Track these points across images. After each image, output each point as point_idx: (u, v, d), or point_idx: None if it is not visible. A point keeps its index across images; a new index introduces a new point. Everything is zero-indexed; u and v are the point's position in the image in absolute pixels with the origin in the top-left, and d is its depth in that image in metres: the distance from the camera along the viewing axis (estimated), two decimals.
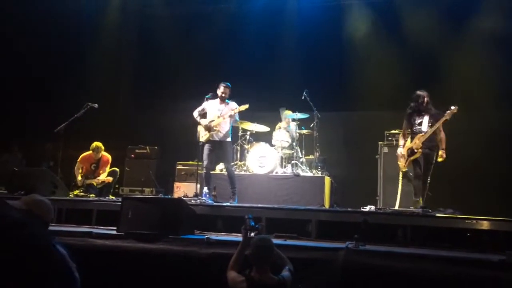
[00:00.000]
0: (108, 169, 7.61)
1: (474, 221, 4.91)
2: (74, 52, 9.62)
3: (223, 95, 6.71)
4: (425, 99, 5.83)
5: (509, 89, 7.84)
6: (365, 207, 6.46)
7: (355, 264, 4.02)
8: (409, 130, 5.99)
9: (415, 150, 5.76)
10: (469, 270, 3.81)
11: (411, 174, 6.94)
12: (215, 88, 6.89)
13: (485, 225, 4.86)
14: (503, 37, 7.98)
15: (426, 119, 5.77)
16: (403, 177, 6.94)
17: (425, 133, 5.73)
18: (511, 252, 3.79)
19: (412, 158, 5.82)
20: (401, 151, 5.94)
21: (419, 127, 5.82)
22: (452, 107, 5.68)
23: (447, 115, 5.65)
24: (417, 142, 5.74)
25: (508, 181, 7.46)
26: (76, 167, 7.60)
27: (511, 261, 3.72)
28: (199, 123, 6.73)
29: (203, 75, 8.79)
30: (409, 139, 5.98)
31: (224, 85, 6.76)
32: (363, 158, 8.17)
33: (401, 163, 5.98)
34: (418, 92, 5.90)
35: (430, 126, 5.73)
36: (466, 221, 4.98)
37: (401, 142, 6.05)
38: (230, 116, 6.62)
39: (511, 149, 7.65)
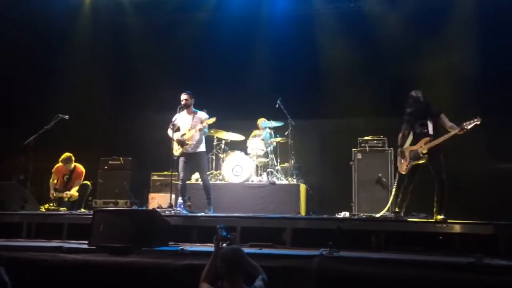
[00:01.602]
0: (81, 182, 7.47)
1: (445, 225, 5.00)
2: (45, 62, 9.42)
3: (185, 102, 6.65)
4: (421, 98, 5.43)
5: (483, 93, 8.03)
6: (339, 214, 6.54)
7: (330, 271, 4.03)
8: (410, 131, 5.54)
9: (421, 155, 5.30)
10: (441, 273, 3.87)
11: (384, 179, 7.06)
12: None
13: (455, 228, 4.96)
14: (475, 41, 8.23)
15: (430, 122, 5.35)
16: (376, 183, 7.07)
17: (433, 138, 5.27)
18: (480, 255, 3.88)
19: (415, 163, 5.37)
20: (401, 149, 5.48)
21: (422, 128, 5.36)
22: (476, 119, 5.12)
23: (468, 124, 5.10)
24: (424, 146, 5.28)
25: (478, 185, 7.66)
26: (51, 179, 7.47)
27: (480, 263, 3.80)
28: (173, 139, 6.66)
29: (177, 85, 8.70)
30: (409, 140, 5.54)
31: (183, 93, 6.70)
32: (338, 165, 8.26)
33: (402, 165, 5.52)
34: (416, 93, 5.49)
35: (435, 128, 5.33)
36: (437, 225, 5.07)
37: (399, 142, 5.59)
38: (200, 130, 6.58)
39: (482, 153, 7.86)
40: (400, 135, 5.61)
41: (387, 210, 6.48)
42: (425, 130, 5.35)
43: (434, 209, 5.30)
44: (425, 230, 5.14)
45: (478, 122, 5.12)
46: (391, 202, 6.40)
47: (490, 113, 7.92)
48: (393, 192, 6.31)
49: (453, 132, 5.17)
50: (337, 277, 4.00)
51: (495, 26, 8.08)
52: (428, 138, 5.28)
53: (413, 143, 5.48)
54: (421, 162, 5.38)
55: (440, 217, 5.16)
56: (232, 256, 3.27)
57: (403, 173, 5.59)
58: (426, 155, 5.31)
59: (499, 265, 3.88)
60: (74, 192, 7.29)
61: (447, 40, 8.45)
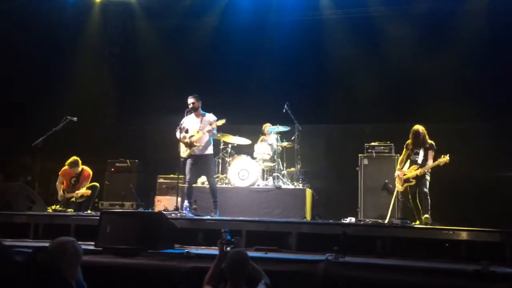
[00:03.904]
0: (88, 184, 7.50)
1: (451, 232, 4.99)
2: (55, 65, 9.52)
3: (193, 105, 6.67)
4: (421, 135, 6.39)
5: (485, 102, 8.05)
6: (345, 219, 6.54)
7: (335, 276, 4.03)
8: (407, 157, 6.56)
9: (411, 180, 6.37)
10: (446, 280, 3.86)
11: (390, 185, 7.14)
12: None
13: (462, 235, 4.94)
14: (478, 51, 8.23)
15: (421, 152, 6.38)
16: (382, 189, 7.15)
17: (419, 166, 6.32)
18: (487, 262, 3.86)
19: (407, 184, 6.43)
20: (398, 173, 6.51)
21: (415, 156, 6.43)
22: (445, 157, 6.13)
23: (440, 162, 6.17)
24: (413, 172, 6.33)
25: (485, 192, 7.63)
26: (58, 181, 7.47)
27: (486, 271, 3.78)
28: (180, 141, 6.68)
29: (184, 89, 8.79)
30: (408, 163, 6.51)
31: (190, 96, 6.73)
32: (344, 170, 8.25)
33: (398, 184, 6.53)
34: (416, 128, 6.44)
35: (424, 159, 6.34)
36: (443, 231, 5.06)
37: (398, 166, 6.62)
38: (209, 131, 6.61)
39: (487, 160, 7.84)
40: (399, 160, 6.68)
41: (391, 216, 6.62)
42: (416, 159, 6.39)
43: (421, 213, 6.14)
44: (431, 237, 5.13)
45: (447, 161, 6.11)
46: (391, 210, 6.73)
47: (497, 120, 8.01)
48: (393, 200, 6.76)
49: (428, 166, 6.25)
50: (342, 283, 3.99)
51: (503, 30, 8.07)
52: (416, 166, 6.34)
53: (409, 166, 6.49)
54: (411, 184, 6.38)
55: (426, 216, 6.00)
56: (237, 259, 3.28)
57: (400, 190, 6.56)
58: (414, 179, 6.33)
59: (506, 272, 3.86)
60: (84, 190, 7.28)
61: (456, 47, 8.43)
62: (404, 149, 6.58)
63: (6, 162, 9.08)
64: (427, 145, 6.38)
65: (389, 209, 6.71)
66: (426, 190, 6.23)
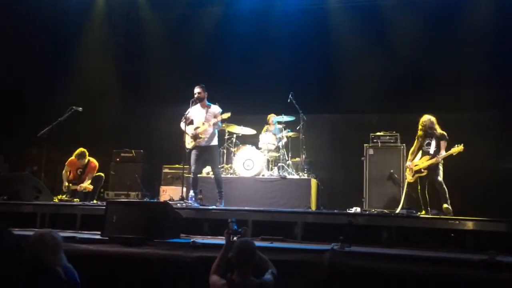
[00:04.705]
0: (94, 175, 7.54)
1: (457, 222, 4.98)
2: (60, 55, 9.51)
3: (199, 95, 6.64)
4: (431, 124, 6.34)
5: (492, 91, 7.97)
6: (351, 209, 6.54)
7: (341, 266, 4.03)
8: (419, 148, 6.51)
9: (422, 170, 6.32)
10: (453, 270, 3.85)
11: (396, 175, 7.14)
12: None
13: (468, 225, 4.94)
14: (485, 40, 8.13)
15: (433, 143, 6.33)
16: (387, 179, 7.15)
17: (431, 156, 6.27)
18: (493, 252, 3.85)
19: (418, 175, 6.37)
20: (409, 164, 6.50)
21: (427, 147, 6.38)
22: (459, 146, 6.12)
23: (453, 151, 6.14)
24: (425, 163, 6.29)
25: (490, 182, 7.59)
26: (64, 171, 7.53)
27: (493, 260, 3.77)
28: (185, 132, 6.67)
29: (189, 79, 8.76)
30: (419, 154, 6.47)
31: (196, 86, 6.69)
32: (349, 160, 8.23)
33: (409, 175, 6.52)
34: (426, 118, 6.39)
35: (436, 149, 6.30)
36: (449, 221, 5.05)
37: (409, 157, 6.55)
38: (214, 124, 6.59)
39: (493, 150, 7.78)
40: (410, 151, 6.56)
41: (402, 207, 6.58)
42: (428, 149, 6.34)
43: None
44: (437, 227, 5.12)
45: (461, 150, 6.11)
46: (404, 199, 6.68)
47: (504, 112, 7.93)
48: (405, 190, 6.73)
49: (442, 155, 6.21)
50: (348, 272, 3.99)
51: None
52: (428, 157, 6.29)
53: (421, 157, 6.44)
54: (423, 175, 6.33)
55: (446, 206, 6.00)
56: (244, 249, 3.29)
57: (411, 181, 6.48)
58: (426, 170, 6.29)
59: None
60: (87, 184, 7.35)
61: (463, 35, 8.32)
62: (416, 140, 6.51)
63: (12, 152, 9.11)
64: (439, 135, 6.32)
65: (401, 199, 6.71)
66: (440, 179, 6.18)
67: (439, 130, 6.34)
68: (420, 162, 6.38)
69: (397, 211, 6.51)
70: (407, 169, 6.54)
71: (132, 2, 10.26)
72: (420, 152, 6.47)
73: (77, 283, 3.24)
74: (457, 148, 6.10)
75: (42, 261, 3.09)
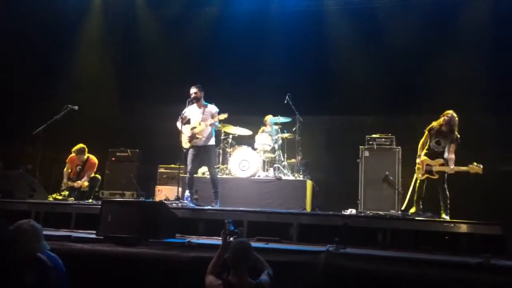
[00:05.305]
0: (93, 173, 7.53)
1: (452, 225, 4.99)
2: (56, 53, 9.46)
3: (195, 95, 6.62)
4: (454, 123, 5.92)
5: (493, 93, 7.98)
6: (346, 211, 6.55)
7: (336, 267, 4.04)
8: (427, 144, 6.18)
9: (434, 173, 5.99)
10: (447, 272, 3.86)
11: (391, 178, 7.14)
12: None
13: (462, 228, 4.95)
14: (483, 43, 8.17)
15: (445, 144, 6.00)
16: (383, 181, 7.15)
17: (445, 161, 5.95)
18: (488, 255, 3.87)
19: (427, 175, 6.05)
20: (421, 161, 6.14)
21: (436, 146, 6.06)
22: (478, 167, 5.75)
23: (470, 169, 5.77)
24: (438, 168, 5.95)
25: (487, 185, 7.60)
26: (65, 168, 7.55)
27: (488, 264, 3.79)
28: (182, 132, 6.65)
29: (186, 78, 8.76)
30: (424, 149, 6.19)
31: (193, 86, 6.67)
32: (345, 162, 8.24)
33: (419, 172, 6.17)
34: (451, 113, 5.95)
35: (447, 153, 5.98)
36: (444, 224, 5.07)
37: (419, 152, 6.23)
38: (211, 124, 6.59)
39: (490, 152, 7.80)
40: (419, 146, 6.24)
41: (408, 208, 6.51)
42: (436, 149, 6.04)
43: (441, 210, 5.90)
44: (432, 229, 5.14)
45: (480, 171, 5.74)
46: (408, 200, 6.52)
47: (501, 114, 7.95)
48: (410, 191, 6.48)
49: (454, 168, 5.85)
50: (343, 274, 4.01)
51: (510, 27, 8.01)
52: (442, 161, 5.95)
53: (427, 155, 6.12)
54: (434, 177, 6.02)
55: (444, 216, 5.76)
56: (240, 249, 3.29)
57: (421, 178, 6.14)
58: (438, 174, 5.98)
59: (507, 265, 3.86)
60: (84, 182, 7.33)
61: (459, 40, 8.36)
62: (426, 132, 6.13)
63: (6, 151, 9.06)
64: (454, 137, 5.93)
65: (403, 200, 6.65)
66: (446, 186, 5.96)
67: (456, 133, 5.96)
68: (434, 163, 5.99)
69: (402, 208, 6.47)
70: (418, 166, 6.14)
71: (129, 1, 10.22)
72: (426, 148, 6.14)
73: (63, 270, 3.27)
74: (476, 169, 5.72)
75: (23, 250, 3.14)
